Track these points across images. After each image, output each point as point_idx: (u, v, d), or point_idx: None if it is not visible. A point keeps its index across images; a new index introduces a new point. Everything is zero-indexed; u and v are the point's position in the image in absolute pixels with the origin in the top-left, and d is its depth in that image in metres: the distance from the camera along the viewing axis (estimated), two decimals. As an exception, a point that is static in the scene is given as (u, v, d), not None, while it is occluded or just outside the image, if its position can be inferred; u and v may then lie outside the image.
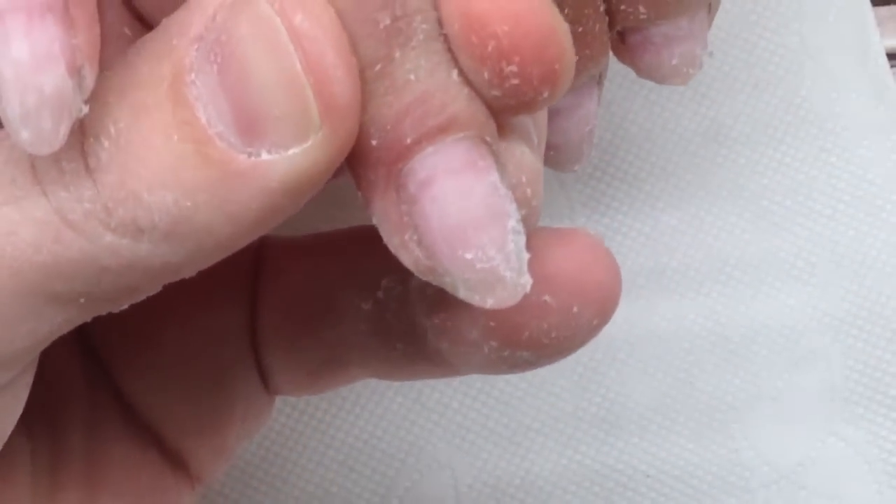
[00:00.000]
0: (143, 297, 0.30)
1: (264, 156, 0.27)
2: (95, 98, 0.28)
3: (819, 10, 0.55)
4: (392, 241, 0.29)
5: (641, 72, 0.42)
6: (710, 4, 0.40)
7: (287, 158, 0.27)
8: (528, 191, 0.30)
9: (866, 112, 0.55)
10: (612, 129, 0.55)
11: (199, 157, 0.27)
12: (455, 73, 0.29)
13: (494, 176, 0.29)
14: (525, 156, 0.30)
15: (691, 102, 0.55)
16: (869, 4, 0.55)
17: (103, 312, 0.30)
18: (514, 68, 0.28)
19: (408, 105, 0.28)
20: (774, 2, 0.55)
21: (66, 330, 0.30)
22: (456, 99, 0.29)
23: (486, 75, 0.29)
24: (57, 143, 0.27)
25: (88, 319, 0.30)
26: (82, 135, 0.28)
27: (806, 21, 0.55)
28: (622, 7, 0.39)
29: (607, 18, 0.39)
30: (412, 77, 0.28)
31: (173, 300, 0.37)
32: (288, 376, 0.39)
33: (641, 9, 0.39)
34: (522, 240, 0.29)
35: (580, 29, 0.39)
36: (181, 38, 0.28)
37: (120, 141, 0.28)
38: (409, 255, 0.29)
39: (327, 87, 0.27)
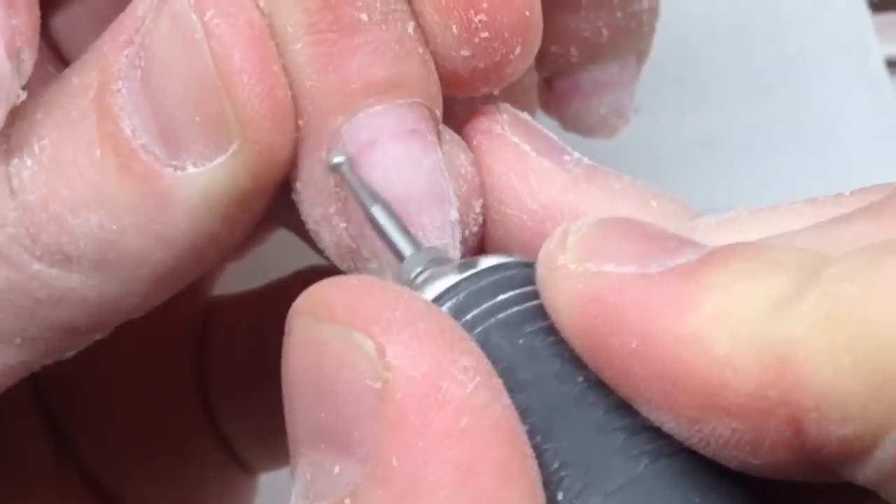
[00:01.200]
0: (87, 340, 0.28)
1: (190, 169, 0.26)
2: (23, 116, 0.27)
3: (818, 17, 0.55)
4: (312, 216, 0.27)
5: (568, 122, 0.40)
6: (639, 54, 0.40)
7: (209, 171, 0.26)
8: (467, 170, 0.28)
9: (865, 119, 0.54)
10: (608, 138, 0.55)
11: (123, 172, 0.26)
12: (412, 26, 0.27)
13: (440, 154, 0.27)
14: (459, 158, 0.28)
15: (689, 110, 0.55)
16: (868, 11, 0.55)
17: (47, 360, 0.28)
18: (482, 17, 0.26)
19: (356, 46, 0.26)
20: (773, 9, 0.55)
21: (4, 380, 0.28)
22: (410, 56, 0.26)
23: (454, 29, 0.27)
24: None
25: (31, 369, 0.28)
26: (8, 154, 0.27)
27: (804, 28, 0.55)
28: (553, 49, 0.37)
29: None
30: (364, 17, 0.26)
31: (126, 369, 0.37)
32: (249, 445, 0.38)
33: (573, 51, 0.37)
34: (459, 235, 0.27)
35: None
36: (112, 43, 0.26)
37: (43, 159, 0.26)
38: (330, 232, 0.27)
39: (236, 91, 0.25)
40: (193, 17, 0.25)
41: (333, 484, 0.21)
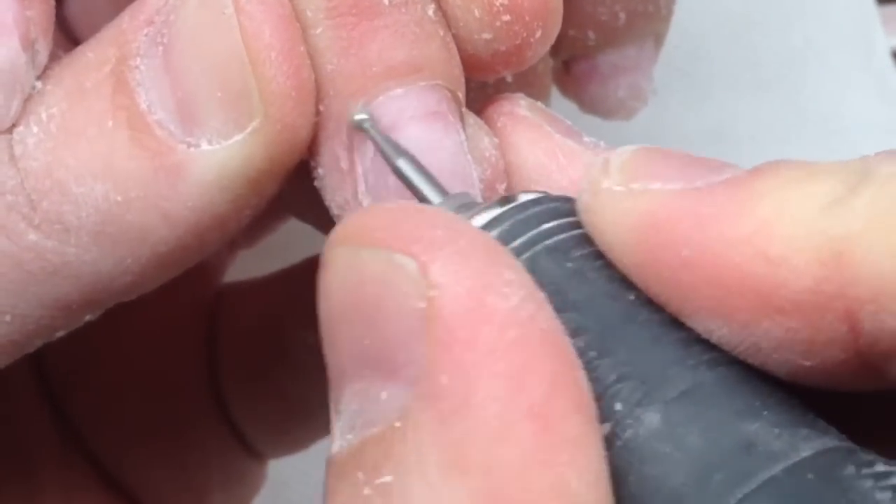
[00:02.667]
0: (78, 321, 0.28)
1: (204, 146, 0.25)
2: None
3: (823, 9, 0.55)
4: (335, 201, 0.27)
5: (586, 104, 0.40)
6: (657, 37, 0.40)
7: (224, 149, 0.25)
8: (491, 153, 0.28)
9: (871, 111, 0.54)
10: (614, 128, 0.55)
11: (135, 145, 0.25)
12: (432, 8, 0.27)
13: (462, 136, 0.27)
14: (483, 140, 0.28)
15: (695, 102, 0.55)
16: (874, 3, 0.55)
17: (37, 340, 0.28)
18: (504, 1, 0.27)
19: (376, 30, 0.26)
20: (779, 1, 0.55)
21: None
22: (431, 39, 0.27)
23: (476, 13, 0.27)
24: (8, 120, 0.26)
25: (22, 350, 0.28)
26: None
27: (810, 20, 0.55)
28: (570, 32, 0.37)
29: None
30: (385, 1, 0.26)
31: (134, 355, 0.37)
32: (258, 431, 0.38)
33: (591, 34, 0.38)
34: None
35: None
36: (132, 21, 0.26)
37: (50, 127, 0.26)
38: None
39: (263, 68, 0.25)
40: None
41: (382, 410, 0.21)
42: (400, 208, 0.23)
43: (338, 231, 0.23)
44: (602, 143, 0.28)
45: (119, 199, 0.26)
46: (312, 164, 0.27)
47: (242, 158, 0.26)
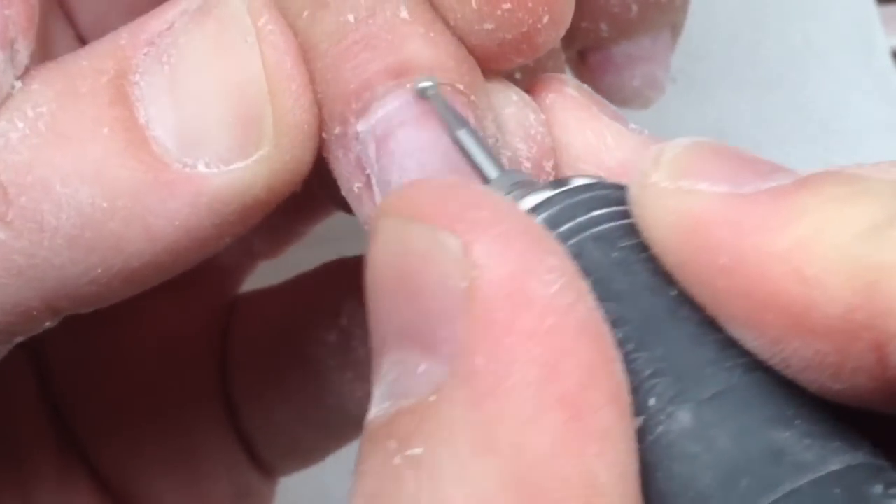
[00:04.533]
0: (35, 328, 0.27)
1: (201, 168, 0.25)
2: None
3: (823, 8, 0.55)
4: (361, 215, 0.27)
5: (602, 93, 0.39)
6: (673, 27, 0.40)
7: (224, 174, 0.25)
8: (536, 131, 0.27)
9: (871, 111, 0.54)
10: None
11: (130, 154, 0.25)
12: (405, 10, 0.26)
13: (471, 126, 0.26)
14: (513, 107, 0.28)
15: (695, 102, 0.55)
16: (873, 3, 0.55)
17: None
18: None
19: (345, 50, 0.26)
20: (779, 1, 0.55)
21: None
22: (407, 40, 0.26)
23: (474, 4, 0.26)
24: None
25: None
26: None
27: (810, 20, 0.55)
28: (584, 24, 0.37)
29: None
30: (350, 18, 0.26)
31: (143, 364, 0.37)
32: (270, 444, 0.38)
33: (603, 26, 0.37)
34: None
35: None
36: (132, 39, 0.26)
37: (38, 125, 0.25)
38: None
39: (282, 99, 0.25)
40: (248, 21, 0.25)
41: (418, 383, 0.21)
42: (449, 185, 0.22)
43: (387, 202, 0.23)
44: (646, 132, 0.28)
45: (105, 205, 0.25)
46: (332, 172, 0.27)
47: (242, 185, 0.25)
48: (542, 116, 0.27)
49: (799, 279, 0.21)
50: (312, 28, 0.26)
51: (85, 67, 0.26)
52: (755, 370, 0.22)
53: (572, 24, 0.31)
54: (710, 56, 0.56)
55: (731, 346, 0.22)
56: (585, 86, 0.29)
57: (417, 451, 0.21)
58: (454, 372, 0.21)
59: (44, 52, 0.29)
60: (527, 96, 0.28)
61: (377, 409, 0.22)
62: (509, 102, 0.27)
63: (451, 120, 0.26)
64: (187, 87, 0.25)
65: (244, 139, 0.25)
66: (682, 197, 0.23)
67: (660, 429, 0.22)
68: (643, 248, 0.23)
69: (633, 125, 0.28)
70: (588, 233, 0.23)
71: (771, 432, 0.21)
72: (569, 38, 0.36)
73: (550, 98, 0.28)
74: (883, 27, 0.55)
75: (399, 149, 0.26)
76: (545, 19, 0.26)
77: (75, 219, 0.25)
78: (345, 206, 0.28)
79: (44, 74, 0.26)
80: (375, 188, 0.26)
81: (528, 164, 0.27)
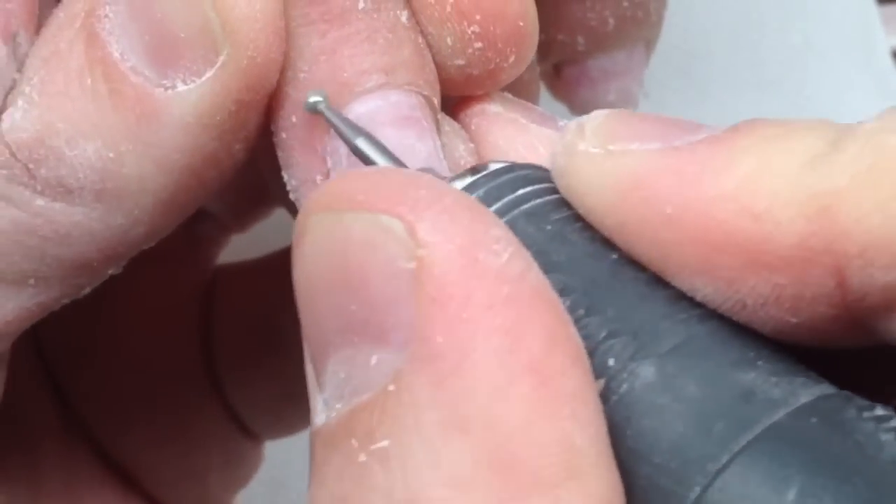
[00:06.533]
0: (101, 276, 0.28)
1: (180, 87, 0.25)
2: None
3: (823, 8, 0.55)
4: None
5: (576, 108, 0.40)
6: (647, 42, 0.40)
7: (199, 87, 0.25)
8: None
9: (871, 111, 0.54)
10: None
11: (115, 97, 0.26)
12: (405, 14, 0.27)
13: (436, 141, 0.27)
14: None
15: (695, 102, 0.55)
16: (873, 3, 0.55)
17: (64, 299, 0.28)
18: (476, 29, 0.27)
19: (346, 36, 0.26)
20: (778, 1, 0.55)
21: (22, 323, 0.28)
22: (403, 44, 0.27)
23: (449, 41, 0.27)
24: None
25: (48, 310, 0.28)
26: None
27: (810, 20, 0.55)
28: (560, 38, 0.37)
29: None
30: (355, 6, 0.26)
31: (131, 338, 0.37)
32: (254, 413, 0.38)
33: (580, 40, 0.38)
34: None
35: None
36: None
37: (34, 96, 0.26)
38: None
39: None
40: None
41: (372, 375, 0.21)
42: (380, 172, 0.22)
43: (314, 199, 0.22)
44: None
45: (111, 155, 0.26)
46: (284, 174, 0.27)
47: (218, 93, 0.26)
48: (471, 145, 0.28)
49: (750, 216, 0.21)
50: (315, 5, 0.26)
51: (61, 20, 0.27)
52: (710, 319, 0.22)
53: (549, 38, 0.31)
54: (709, 56, 0.56)
55: (681, 298, 0.22)
56: (507, 93, 0.29)
57: (383, 444, 0.20)
58: (412, 356, 0.21)
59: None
60: (456, 125, 0.28)
61: (328, 413, 0.22)
62: (442, 132, 0.27)
63: (346, 129, 0.26)
64: (145, 8, 0.26)
65: (203, 48, 0.25)
66: (615, 159, 0.23)
67: (623, 387, 0.22)
68: (575, 219, 0.23)
69: (563, 122, 0.28)
70: (518, 210, 0.23)
71: (737, 374, 0.22)
72: (544, 52, 0.36)
73: (476, 122, 0.28)
74: (883, 27, 0.55)
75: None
76: (511, 59, 0.27)
77: (92, 175, 0.26)
78: (287, 202, 0.28)
79: (33, 48, 0.27)
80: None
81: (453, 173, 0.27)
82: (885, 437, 0.21)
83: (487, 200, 0.24)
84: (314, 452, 0.22)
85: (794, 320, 0.22)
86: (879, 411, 0.21)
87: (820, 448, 0.20)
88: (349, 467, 0.21)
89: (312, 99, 0.26)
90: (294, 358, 0.37)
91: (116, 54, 0.26)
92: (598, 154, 0.23)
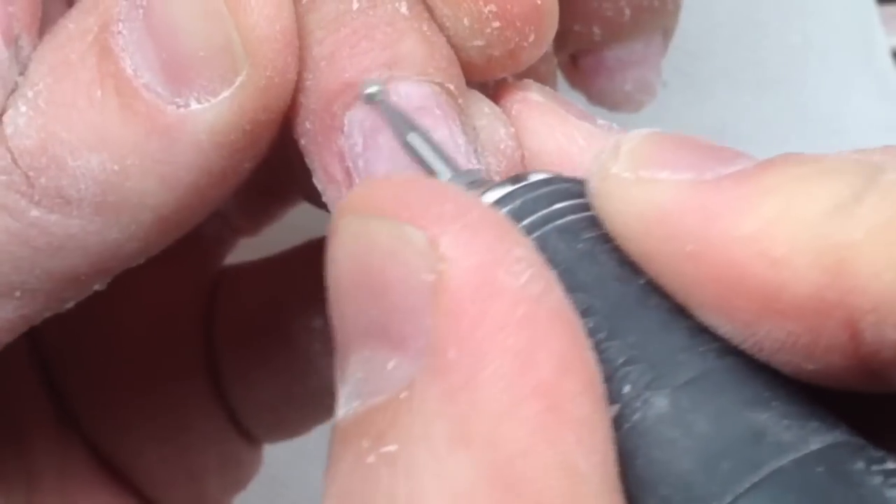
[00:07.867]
0: (87, 290, 0.28)
1: (193, 105, 0.25)
2: None
3: (823, 8, 0.55)
4: (333, 206, 0.27)
5: (593, 97, 0.40)
6: (664, 31, 0.40)
7: (214, 106, 0.25)
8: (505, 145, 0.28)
9: (871, 110, 0.54)
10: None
11: (125, 111, 0.25)
12: (405, 6, 0.27)
13: (453, 128, 0.26)
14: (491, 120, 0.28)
15: (696, 102, 0.55)
16: (873, 3, 0.55)
17: (47, 312, 0.28)
18: (493, 8, 0.27)
19: (344, 38, 0.26)
20: (778, 1, 0.55)
21: (4, 336, 0.28)
22: (405, 36, 0.26)
23: (466, 21, 0.27)
24: None
25: (30, 323, 0.28)
26: None
27: (810, 20, 0.55)
28: (576, 28, 0.37)
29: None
30: (351, 6, 0.26)
31: (131, 337, 0.37)
32: (255, 415, 0.38)
33: (596, 30, 0.37)
34: None
35: None
36: None
37: (39, 104, 0.26)
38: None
39: (244, 17, 0.25)
40: None
41: (388, 380, 0.21)
42: (410, 180, 0.22)
43: (348, 200, 0.22)
44: (615, 126, 0.28)
45: (116, 168, 0.26)
46: (314, 177, 0.27)
47: (234, 113, 0.25)
48: (512, 129, 0.28)
49: (767, 261, 0.21)
50: (310, 14, 0.26)
51: (71, 31, 0.26)
52: (728, 354, 0.22)
53: (565, 28, 0.31)
54: (710, 56, 0.56)
55: (702, 331, 0.22)
56: (547, 88, 0.29)
57: (391, 448, 0.21)
58: (426, 366, 0.21)
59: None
60: (497, 109, 0.28)
61: (346, 409, 0.22)
62: (481, 115, 0.27)
63: (399, 123, 0.26)
64: (162, 26, 0.25)
65: (222, 67, 0.25)
66: (643, 187, 0.23)
67: (636, 416, 0.22)
68: (607, 239, 0.23)
69: (601, 121, 0.28)
70: (551, 225, 0.23)
71: (749, 414, 0.21)
72: (561, 42, 0.36)
73: (517, 108, 0.28)
74: (883, 27, 0.55)
75: (388, 144, 0.26)
76: (531, 38, 0.27)
77: (94, 187, 0.26)
78: (312, 198, 0.28)
79: (37, 53, 0.27)
80: (357, 181, 0.26)
81: (498, 179, 0.27)
82: (891, 493, 0.20)
83: (522, 212, 0.24)
84: (332, 446, 0.22)
85: (809, 367, 0.22)
86: (890, 464, 0.21)
87: (822, 499, 0.20)
88: (358, 466, 0.21)
89: (369, 90, 0.26)
90: (297, 361, 0.37)
91: (130, 70, 0.25)
92: (628, 179, 0.23)
